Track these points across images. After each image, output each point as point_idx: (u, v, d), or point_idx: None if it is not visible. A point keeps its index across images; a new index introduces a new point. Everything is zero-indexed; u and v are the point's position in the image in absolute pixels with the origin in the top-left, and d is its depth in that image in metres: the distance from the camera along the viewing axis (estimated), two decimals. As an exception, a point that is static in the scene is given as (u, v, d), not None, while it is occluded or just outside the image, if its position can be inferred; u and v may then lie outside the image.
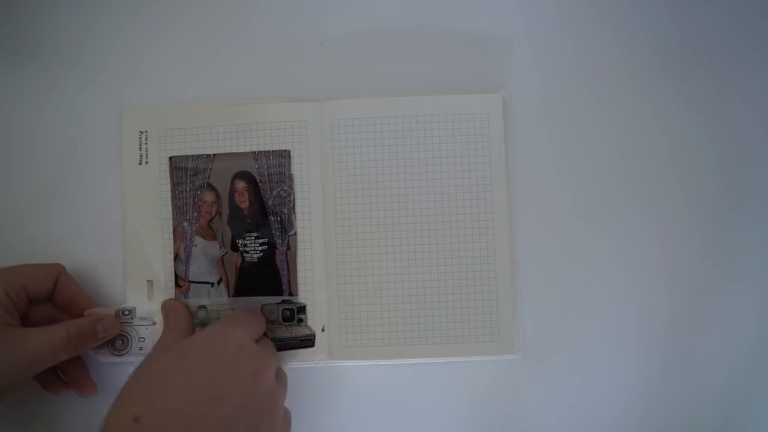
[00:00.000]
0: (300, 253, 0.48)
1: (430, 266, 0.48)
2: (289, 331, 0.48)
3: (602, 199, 0.49)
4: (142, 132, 0.49)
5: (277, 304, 0.48)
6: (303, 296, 0.48)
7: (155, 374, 0.36)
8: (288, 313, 0.48)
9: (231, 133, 0.49)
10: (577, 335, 0.48)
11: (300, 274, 0.48)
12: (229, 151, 0.48)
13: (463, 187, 0.48)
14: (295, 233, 0.48)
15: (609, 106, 0.49)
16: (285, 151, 0.48)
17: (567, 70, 0.49)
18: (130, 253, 0.49)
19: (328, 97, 0.48)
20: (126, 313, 0.47)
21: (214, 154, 0.49)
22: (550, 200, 0.49)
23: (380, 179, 0.48)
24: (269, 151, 0.48)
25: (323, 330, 0.48)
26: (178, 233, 0.49)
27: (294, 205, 0.48)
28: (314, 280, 0.48)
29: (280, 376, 0.42)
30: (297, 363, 0.48)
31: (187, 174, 0.49)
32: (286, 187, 0.48)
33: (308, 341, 0.48)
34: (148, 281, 0.48)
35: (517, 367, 0.48)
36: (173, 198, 0.49)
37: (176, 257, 0.49)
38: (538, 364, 0.48)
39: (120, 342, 0.46)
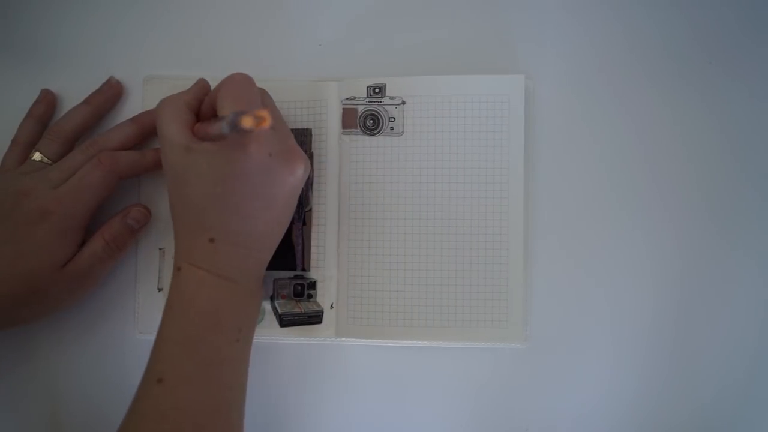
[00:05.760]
0: (314, 229, 0.48)
1: (441, 249, 0.48)
2: (298, 306, 0.48)
3: (619, 193, 0.48)
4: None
5: (289, 278, 0.49)
6: (315, 272, 0.48)
7: (224, 203, 0.40)
8: (299, 288, 0.48)
9: (255, 110, 0.50)
10: (585, 329, 0.48)
11: (313, 250, 0.48)
12: (251, 127, 0.50)
13: (480, 170, 0.48)
14: (311, 209, 0.49)
15: (631, 101, 0.48)
16: (306, 129, 0.49)
17: (594, 61, 0.49)
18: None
19: (348, 75, 0.49)
20: (376, 91, 0.48)
21: (238, 129, 0.50)
22: (567, 190, 0.48)
23: (396, 159, 0.48)
24: (290, 129, 0.49)
25: (331, 307, 0.48)
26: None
27: (312, 182, 0.49)
28: (326, 257, 0.48)
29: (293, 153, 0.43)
30: (304, 339, 0.48)
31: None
32: (305, 165, 0.49)
33: (316, 318, 0.48)
34: (159, 249, 0.49)
35: (523, 357, 0.48)
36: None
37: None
38: (544, 356, 0.48)
39: (371, 121, 0.47)
